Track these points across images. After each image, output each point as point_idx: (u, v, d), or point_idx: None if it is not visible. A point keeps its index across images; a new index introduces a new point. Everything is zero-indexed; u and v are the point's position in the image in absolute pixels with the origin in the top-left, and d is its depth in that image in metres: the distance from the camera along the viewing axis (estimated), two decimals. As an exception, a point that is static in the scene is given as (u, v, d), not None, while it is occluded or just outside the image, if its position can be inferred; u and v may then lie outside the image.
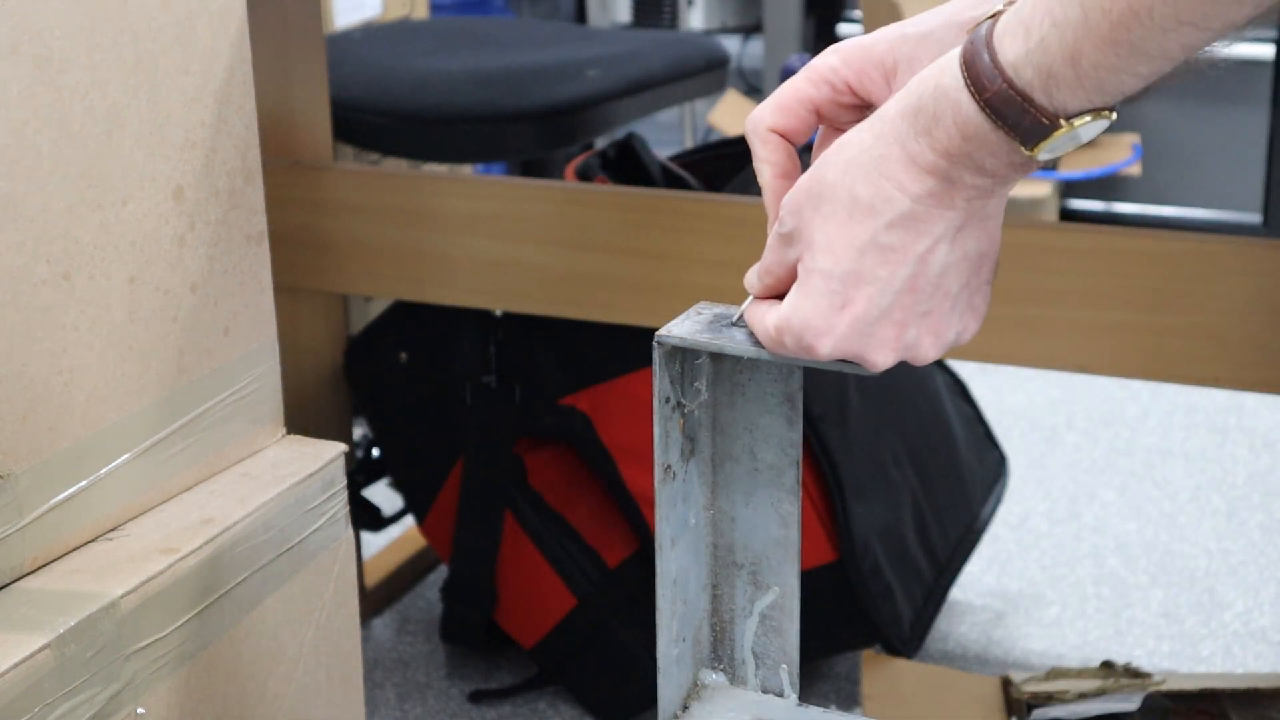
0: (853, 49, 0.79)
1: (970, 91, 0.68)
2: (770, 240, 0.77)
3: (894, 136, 0.71)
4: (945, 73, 0.69)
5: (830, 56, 0.80)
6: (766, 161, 0.80)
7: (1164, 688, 1.54)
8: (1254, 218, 3.17)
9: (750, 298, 0.79)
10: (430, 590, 2.01)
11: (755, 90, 3.90)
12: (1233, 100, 3.19)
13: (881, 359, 0.74)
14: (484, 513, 1.74)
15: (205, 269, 1.03)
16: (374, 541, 2.08)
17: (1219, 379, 1.42)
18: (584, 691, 1.76)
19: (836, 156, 0.73)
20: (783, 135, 0.80)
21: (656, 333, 0.79)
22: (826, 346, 0.74)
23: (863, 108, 0.80)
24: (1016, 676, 1.62)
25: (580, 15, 3.42)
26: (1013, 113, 0.67)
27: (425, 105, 1.89)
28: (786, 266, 0.76)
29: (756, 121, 0.80)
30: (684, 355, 0.81)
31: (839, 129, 0.80)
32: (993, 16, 0.68)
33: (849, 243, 0.72)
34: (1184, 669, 1.84)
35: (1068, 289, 1.42)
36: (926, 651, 1.87)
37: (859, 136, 0.73)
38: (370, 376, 1.81)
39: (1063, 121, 0.67)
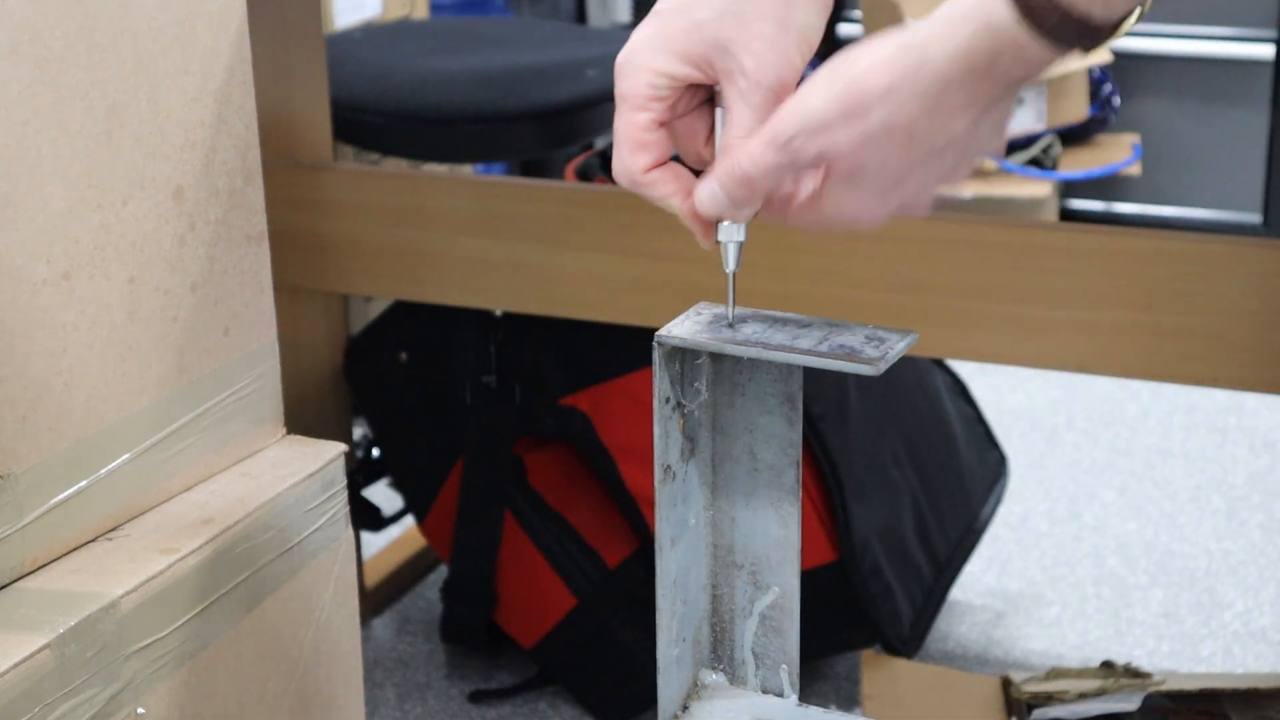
0: (657, 57, 0.78)
1: (1027, 26, 0.69)
2: (765, 163, 0.75)
3: (946, 80, 0.71)
4: (991, 11, 0.70)
5: (641, 76, 0.78)
6: (669, 195, 0.80)
7: (1164, 688, 1.54)
8: (1254, 218, 3.17)
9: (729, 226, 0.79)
10: (430, 590, 2.01)
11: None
12: (1233, 100, 3.19)
13: (924, 209, 0.77)
14: (484, 513, 1.74)
15: (205, 269, 1.03)
16: (374, 541, 2.08)
17: (1219, 379, 1.42)
18: (584, 691, 1.76)
19: (880, 99, 0.72)
20: (655, 165, 0.80)
21: (656, 333, 0.79)
22: (874, 225, 0.77)
23: (699, 86, 0.79)
24: (1016, 676, 1.62)
25: (580, 15, 3.42)
26: (1072, 35, 0.69)
27: (425, 105, 1.89)
28: (789, 178, 0.77)
29: (632, 173, 0.79)
30: (684, 355, 0.81)
31: (688, 115, 0.80)
32: None
33: (903, 161, 0.74)
34: (1184, 669, 1.84)
35: (1068, 289, 1.42)
36: (926, 651, 1.87)
37: (901, 73, 0.72)
38: (370, 376, 1.81)
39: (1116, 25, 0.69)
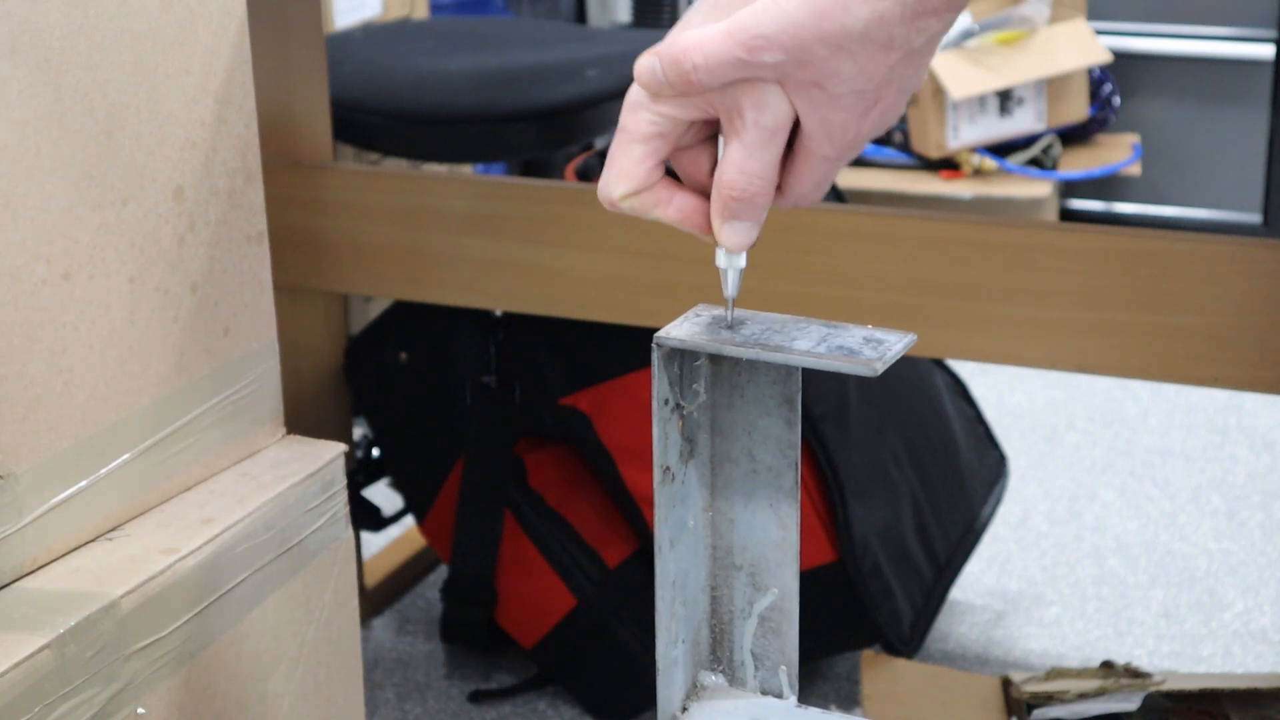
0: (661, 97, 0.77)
1: None
2: (718, 55, 0.73)
3: None
4: None
5: (643, 114, 0.77)
6: (650, 208, 0.79)
7: (1164, 688, 1.54)
8: (1254, 218, 3.17)
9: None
10: (430, 590, 2.01)
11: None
12: (1233, 100, 3.19)
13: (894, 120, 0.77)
14: (484, 513, 1.74)
15: (205, 269, 1.03)
16: (374, 541, 2.08)
17: (1219, 379, 1.42)
18: (584, 691, 1.76)
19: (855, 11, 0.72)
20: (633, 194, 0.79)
21: (656, 334, 0.79)
22: (857, 148, 0.77)
23: (703, 124, 0.78)
24: (1016, 676, 1.62)
25: (580, 15, 3.42)
26: None
27: (425, 105, 1.89)
28: (784, 128, 0.75)
29: (611, 198, 0.79)
30: (683, 356, 0.81)
31: (692, 148, 0.79)
32: None
33: (880, 65, 0.73)
34: (1184, 669, 1.84)
35: (1068, 289, 1.42)
36: (926, 651, 1.87)
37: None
38: (370, 376, 1.82)
39: None
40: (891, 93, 0.74)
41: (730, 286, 0.80)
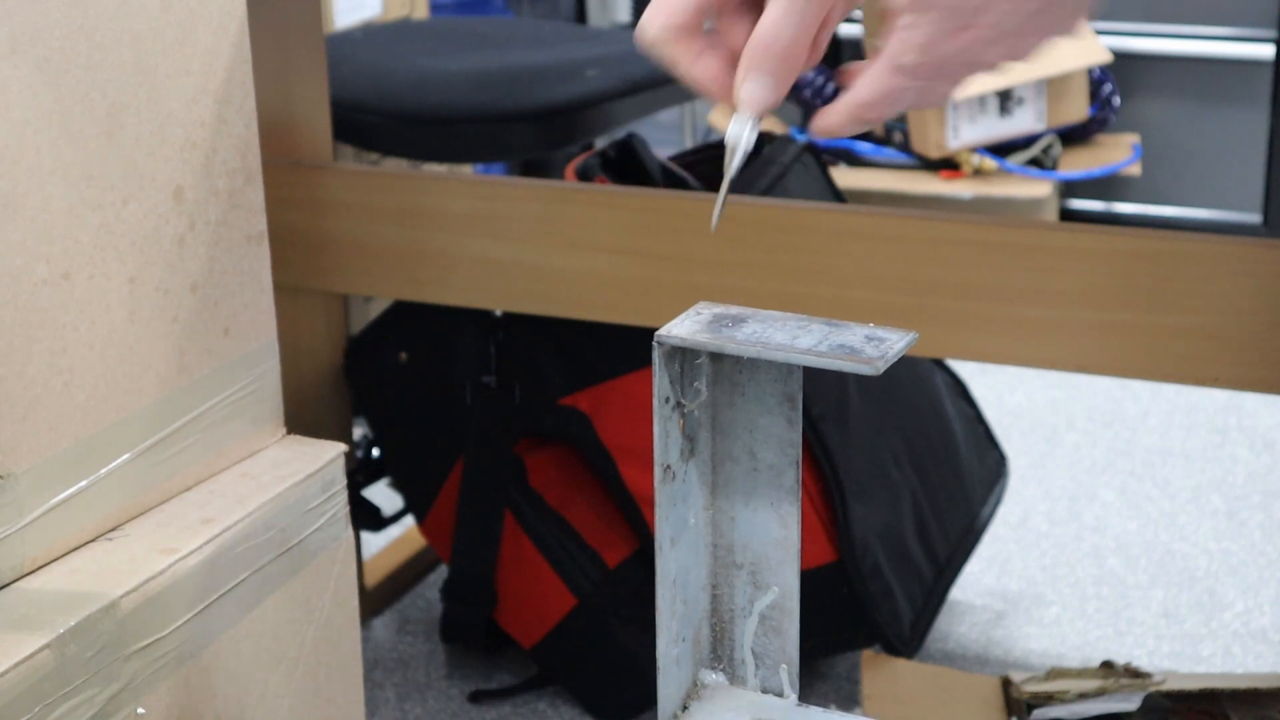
0: None
1: None
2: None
3: None
4: None
5: None
6: (677, 56, 0.77)
7: (1164, 688, 1.54)
8: (1254, 218, 3.17)
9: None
10: (430, 590, 2.01)
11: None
12: (1233, 100, 3.19)
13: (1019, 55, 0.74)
14: (484, 513, 1.74)
15: (205, 269, 1.03)
16: (374, 541, 2.08)
17: (1219, 379, 1.42)
18: (584, 691, 1.76)
19: None
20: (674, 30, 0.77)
21: (656, 333, 0.79)
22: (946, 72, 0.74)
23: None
24: (1016, 676, 1.62)
25: (580, 15, 3.43)
26: None
27: (425, 105, 1.89)
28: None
29: (648, 30, 0.77)
30: (684, 355, 0.81)
31: (732, 15, 0.78)
32: None
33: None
34: (1184, 669, 1.84)
35: (1068, 289, 1.42)
36: (926, 651, 1.87)
37: None
38: (370, 376, 1.82)
39: None
40: (985, 24, 0.72)
41: (736, 160, 0.78)
